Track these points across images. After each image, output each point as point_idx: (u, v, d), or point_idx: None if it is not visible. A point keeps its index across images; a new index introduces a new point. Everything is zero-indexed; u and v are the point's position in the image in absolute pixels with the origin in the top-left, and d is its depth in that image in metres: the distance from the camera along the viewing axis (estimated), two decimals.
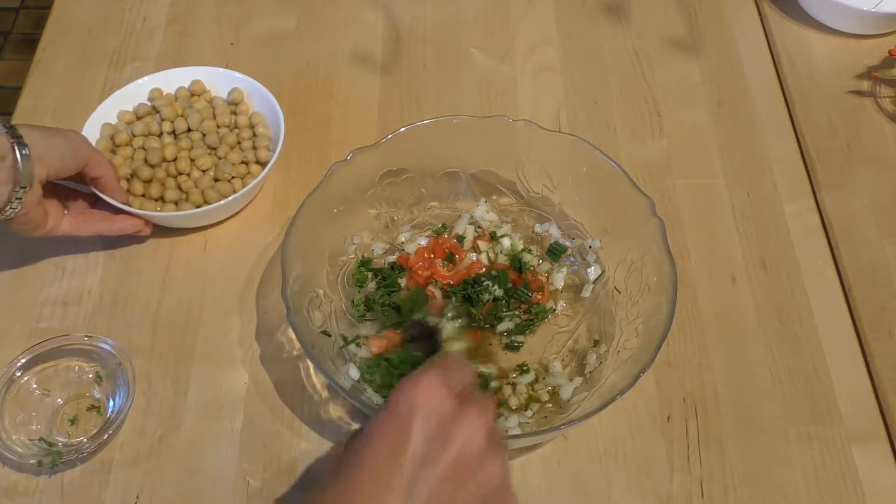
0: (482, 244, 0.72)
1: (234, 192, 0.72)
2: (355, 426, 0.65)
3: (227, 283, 0.72)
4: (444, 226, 0.74)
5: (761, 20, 0.92)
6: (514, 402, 0.64)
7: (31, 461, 0.60)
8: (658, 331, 0.59)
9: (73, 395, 0.65)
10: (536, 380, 0.66)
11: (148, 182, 0.73)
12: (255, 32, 0.90)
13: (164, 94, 0.79)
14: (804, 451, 0.64)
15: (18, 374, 0.64)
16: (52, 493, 0.61)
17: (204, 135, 0.76)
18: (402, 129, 0.69)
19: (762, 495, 0.62)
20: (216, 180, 0.73)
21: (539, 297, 0.69)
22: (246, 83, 0.78)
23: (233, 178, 0.74)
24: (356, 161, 0.67)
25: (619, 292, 0.68)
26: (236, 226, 0.76)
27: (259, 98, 0.78)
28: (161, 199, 0.72)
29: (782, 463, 0.63)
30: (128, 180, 0.73)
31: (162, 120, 0.76)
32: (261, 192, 0.77)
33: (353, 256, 0.71)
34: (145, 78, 0.78)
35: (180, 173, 0.73)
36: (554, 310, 0.69)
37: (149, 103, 0.78)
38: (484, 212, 0.74)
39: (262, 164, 0.74)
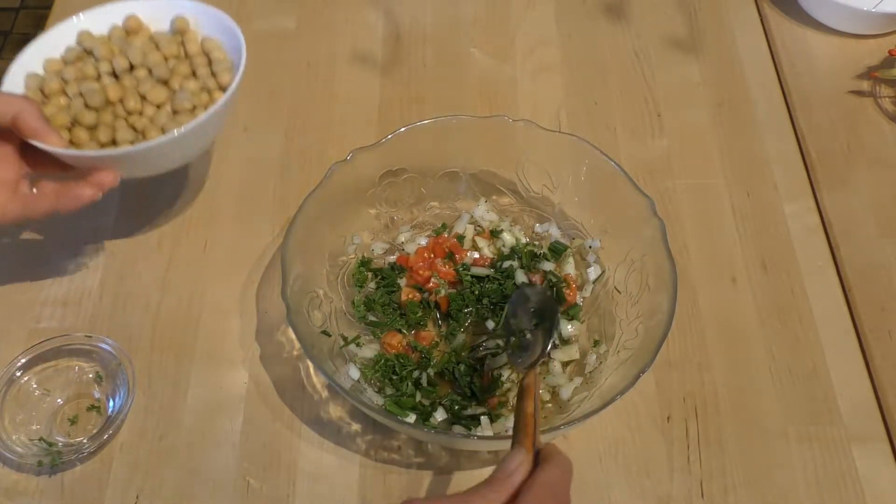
0: (480, 241, 0.72)
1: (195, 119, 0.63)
2: (355, 426, 0.65)
3: (227, 283, 0.72)
4: (444, 226, 0.74)
5: (761, 20, 0.92)
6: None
7: (31, 461, 0.60)
8: (658, 331, 0.59)
9: (73, 395, 0.65)
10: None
11: (93, 128, 0.63)
12: (255, 32, 0.90)
13: (96, 35, 0.69)
14: (804, 451, 0.64)
15: (18, 374, 0.64)
16: (52, 493, 0.61)
17: (150, 70, 0.66)
18: (402, 129, 0.69)
19: (762, 495, 0.62)
20: (175, 112, 0.65)
21: (568, 294, 0.69)
22: (191, 8, 0.69)
23: (194, 107, 0.65)
24: (356, 161, 0.67)
25: (619, 292, 0.68)
26: (236, 226, 0.76)
27: (210, 22, 0.69)
28: (112, 143, 0.63)
29: (782, 463, 0.63)
30: (69, 130, 0.63)
31: (98, 61, 0.66)
32: (261, 192, 0.77)
33: (353, 256, 0.71)
34: (71, 19, 0.68)
35: (130, 113, 0.64)
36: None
37: (79, 47, 0.68)
38: (484, 212, 0.74)
39: (224, 88, 0.66)
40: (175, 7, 0.69)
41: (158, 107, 0.65)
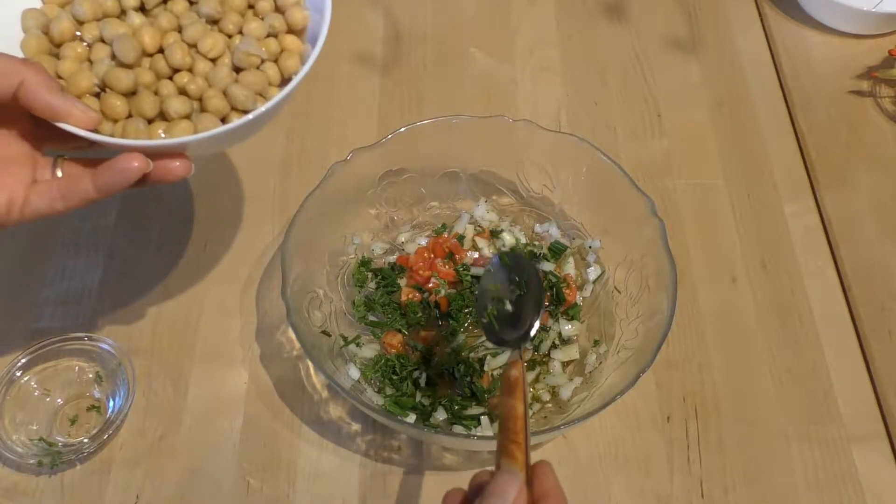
0: (480, 241, 0.72)
1: (272, 84, 0.49)
2: (355, 426, 0.65)
3: (227, 283, 0.72)
4: (444, 226, 0.74)
5: (761, 20, 0.92)
6: None
7: (31, 461, 0.60)
8: (658, 330, 0.59)
9: (73, 395, 0.65)
10: (537, 379, 0.66)
11: (131, 94, 0.47)
12: None
13: None
14: (804, 451, 0.64)
15: (18, 374, 0.64)
16: (52, 493, 0.61)
17: (191, 2, 0.50)
18: (402, 129, 0.69)
19: (762, 495, 0.62)
20: (238, 70, 0.49)
21: (568, 293, 0.69)
22: None
23: (263, 62, 0.49)
24: (356, 161, 0.67)
25: (619, 292, 0.68)
26: (236, 226, 0.76)
27: None
28: (160, 116, 0.48)
29: (782, 463, 0.63)
30: (97, 98, 0.47)
31: None
32: (261, 192, 0.77)
33: (353, 256, 0.71)
34: None
35: (176, 70, 0.48)
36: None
37: None
38: (484, 212, 0.74)
39: (298, 33, 0.52)
40: None
41: (214, 61, 0.49)
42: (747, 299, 0.72)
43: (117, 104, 0.46)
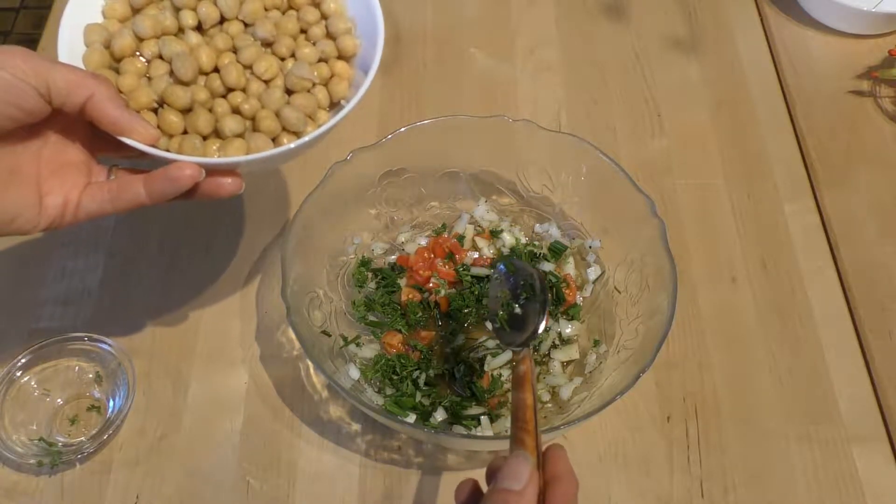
0: (480, 241, 0.72)
1: (321, 106, 0.50)
2: (355, 426, 0.65)
3: (228, 283, 0.72)
4: (444, 226, 0.74)
5: (761, 20, 0.92)
6: None
7: (31, 461, 0.60)
8: (658, 330, 0.59)
9: (73, 395, 0.65)
10: (537, 379, 0.66)
11: (187, 111, 0.49)
12: None
13: None
14: (804, 451, 0.64)
15: (18, 374, 0.64)
16: (52, 493, 0.61)
17: (246, 24, 0.52)
18: (402, 129, 0.69)
19: (762, 495, 0.62)
20: (289, 92, 0.51)
21: (568, 293, 0.69)
22: None
23: (314, 85, 0.51)
24: (356, 161, 0.67)
25: (619, 292, 0.68)
26: (236, 226, 0.76)
27: None
28: (215, 134, 0.49)
29: (782, 463, 0.63)
30: (154, 113, 0.49)
31: (177, 9, 0.51)
32: (261, 192, 0.77)
33: (353, 256, 0.71)
34: None
35: (230, 89, 0.50)
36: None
37: None
38: (484, 212, 0.74)
39: (346, 59, 0.53)
40: None
41: (267, 83, 0.50)
42: (747, 299, 0.72)
43: (174, 120, 0.48)
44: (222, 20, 0.51)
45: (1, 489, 0.62)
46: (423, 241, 0.73)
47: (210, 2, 0.51)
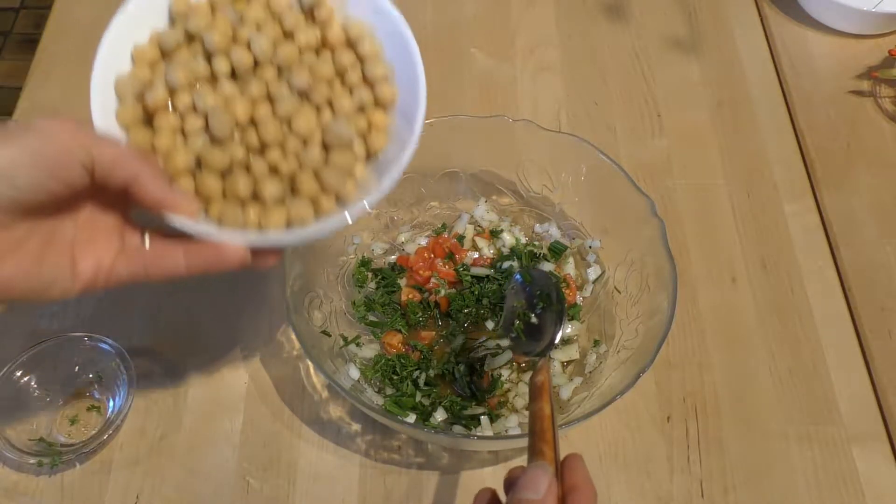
0: (480, 241, 0.72)
1: (358, 159, 0.47)
2: (355, 426, 0.65)
3: (227, 283, 0.72)
4: (444, 226, 0.74)
5: (761, 20, 0.92)
6: (520, 403, 0.64)
7: (31, 461, 0.60)
8: (658, 330, 0.59)
9: (73, 395, 0.65)
10: None
11: (226, 173, 0.46)
12: None
13: (193, 4, 0.48)
14: (804, 451, 0.64)
15: (18, 374, 0.64)
16: (52, 493, 0.61)
17: (280, 69, 0.47)
18: None
19: (762, 495, 0.62)
20: (327, 148, 0.47)
21: (568, 293, 0.69)
22: None
23: (351, 140, 0.47)
24: None
25: (619, 292, 0.68)
26: None
27: None
28: (253, 196, 0.46)
29: (782, 463, 0.63)
30: (192, 175, 0.46)
31: (209, 54, 0.47)
32: None
33: (353, 256, 0.71)
34: None
35: (265, 145, 0.46)
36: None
37: (175, 33, 0.47)
38: (484, 212, 0.74)
39: (384, 106, 0.49)
40: None
41: (305, 140, 0.47)
42: (747, 299, 0.72)
43: (213, 185, 0.45)
44: (256, 62, 0.47)
45: (1, 489, 0.62)
46: (423, 241, 0.73)
47: (243, 46, 0.47)
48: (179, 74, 0.46)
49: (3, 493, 0.61)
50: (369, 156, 0.49)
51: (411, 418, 0.62)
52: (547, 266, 0.70)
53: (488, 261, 0.71)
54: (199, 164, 0.46)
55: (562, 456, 0.44)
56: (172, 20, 0.48)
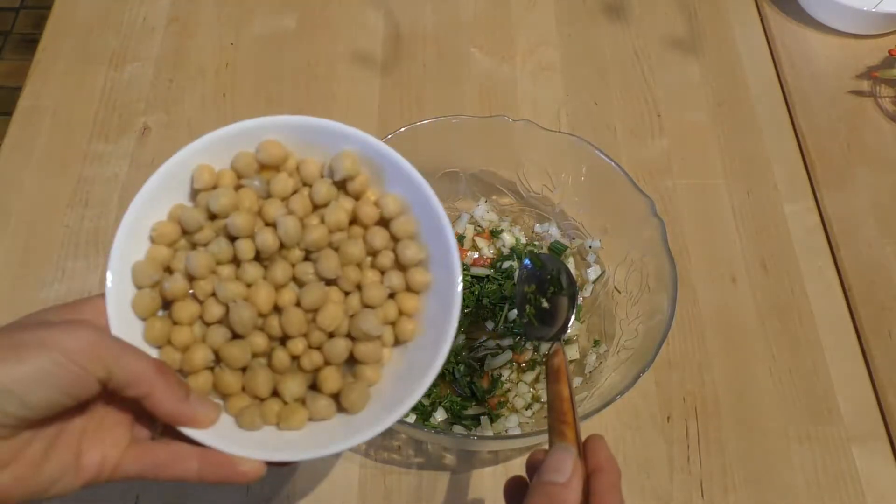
0: (480, 241, 0.72)
1: (385, 345, 0.45)
2: None
3: None
4: None
5: (761, 20, 0.92)
6: (519, 403, 0.64)
7: None
8: (658, 331, 0.59)
9: None
10: (537, 379, 0.66)
11: (246, 368, 0.44)
12: (255, 32, 0.90)
13: (217, 171, 0.45)
14: (804, 451, 0.64)
15: None
16: None
17: (308, 253, 0.45)
18: (402, 129, 0.69)
19: (762, 495, 0.62)
20: (354, 339, 0.44)
21: None
22: (356, 141, 0.46)
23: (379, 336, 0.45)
24: None
25: (619, 292, 0.68)
26: None
27: (388, 166, 0.47)
28: (273, 394, 0.44)
29: (782, 463, 0.63)
30: (211, 371, 0.44)
31: (233, 238, 0.44)
32: None
33: None
34: (181, 154, 0.45)
35: (288, 337, 0.44)
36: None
37: (198, 214, 0.45)
38: (484, 212, 0.74)
39: (416, 291, 0.46)
40: (327, 135, 0.46)
41: (331, 334, 0.44)
42: (747, 299, 0.72)
43: (232, 382, 0.43)
44: (282, 246, 0.44)
45: None
46: None
47: (270, 230, 0.44)
48: (201, 262, 0.43)
49: None
50: (397, 342, 0.46)
51: (411, 418, 0.62)
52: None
53: (488, 261, 0.71)
54: (217, 356, 0.43)
55: (582, 437, 0.44)
56: (194, 191, 0.45)
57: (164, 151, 0.79)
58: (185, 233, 0.45)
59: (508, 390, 0.65)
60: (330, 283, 0.45)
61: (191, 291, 0.44)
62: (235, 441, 0.41)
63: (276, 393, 0.44)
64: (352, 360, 0.45)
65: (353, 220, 0.46)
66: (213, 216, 0.45)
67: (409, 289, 0.46)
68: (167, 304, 0.45)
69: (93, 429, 0.41)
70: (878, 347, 0.68)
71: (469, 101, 0.85)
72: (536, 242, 0.73)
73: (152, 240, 0.45)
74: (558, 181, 0.72)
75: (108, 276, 0.43)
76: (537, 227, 0.74)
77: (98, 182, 0.78)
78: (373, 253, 0.45)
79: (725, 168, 0.80)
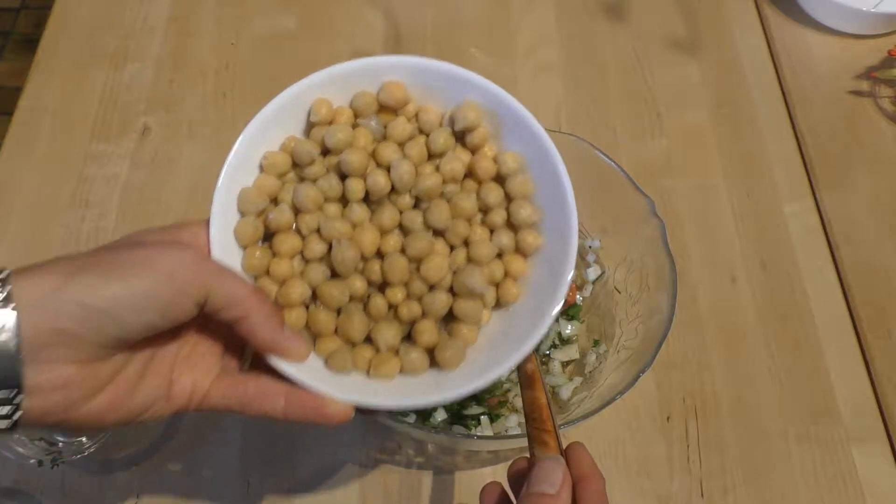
0: None
1: (486, 307, 0.44)
2: (356, 426, 0.65)
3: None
4: None
5: (761, 20, 0.92)
6: (519, 403, 0.64)
7: (32, 460, 0.60)
8: (658, 331, 0.59)
9: None
10: None
11: (342, 309, 0.43)
12: (255, 32, 0.90)
13: (336, 108, 0.45)
14: (804, 451, 0.64)
15: None
16: (53, 492, 0.61)
17: (417, 202, 0.44)
18: None
19: (762, 495, 0.62)
20: (455, 294, 0.43)
21: (568, 293, 0.69)
22: (482, 91, 0.46)
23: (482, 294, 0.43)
24: None
25: (619, 292, 0.68)
26: None
27: (511, 121, 0.46)
28: (367, 339, 0.43)
29: (782, 463, 0.64)
30: (306, 308, 0.43)
31: (343, 177, 0.44)
32: None
33: None
34: (297, 86, 0.45)
35: (388, 284, 0.43)
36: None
37: (311, 148, 0.43)
38: None
39: (525, 254, 0.44)
40: (451, 80, 0.45)
41: (432, 286, 0.43)
42: (747, 299, 0.72)
43: (327, 321, 0.42)
44: (393, 189, 0.43)
45: (1, 489, 0.62)
46: None
47: (382, 171, 0.43)
48: (309, 195, 0.43)
49: (3, 493, 0.61)
50: (498, 305, 0.45)
51: (411, 418, 0.62)
52: None
53: None
54: (313, 293, 0.42)
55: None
56: (309, 124, 0.45)
57: (164, 151, 0.80)
58: (296, 165, 0.44)
59: (508, 390, 0.65)
60: (437, 234, 0.43)
61: (294, 226, 0.43)
62: (325, 381, 0.40)
63: (368, 339, 0.42)
64: (449, 318, 0.43)
65: (468, 174, 0.44)
66: (325, 152, 0.44)
67: (517, 250, 0.44)
68: (268, 236, 0.44)
69: (185, 355, 0.41)
70: (877, 348, 0.68)
71: None
72: None
73: (262, 168, 0.44)
74: None
75: (216, 198, 0.42)
76: None
77: (98, 182, 0.78)
78: (485, 209, 0.44)
79: (725, 168, 0.80)
